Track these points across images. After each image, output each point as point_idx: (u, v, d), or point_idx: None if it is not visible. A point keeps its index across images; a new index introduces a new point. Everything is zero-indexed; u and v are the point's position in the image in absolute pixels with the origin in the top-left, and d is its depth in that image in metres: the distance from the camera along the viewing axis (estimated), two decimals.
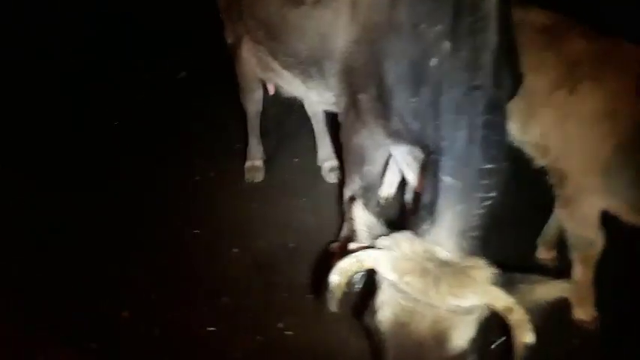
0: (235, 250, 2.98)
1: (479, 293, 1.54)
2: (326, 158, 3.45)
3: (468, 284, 1.55)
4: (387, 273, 1.63)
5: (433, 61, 1.88)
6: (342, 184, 3.29)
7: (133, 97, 4.27)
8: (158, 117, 4.05)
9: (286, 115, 3.82)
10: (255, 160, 3.47)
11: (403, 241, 1.67)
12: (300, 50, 2.36)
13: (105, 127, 3.97)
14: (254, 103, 3.28)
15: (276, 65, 2.64)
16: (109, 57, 4.72)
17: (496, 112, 1.82)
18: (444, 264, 1.60)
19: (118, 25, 5.12)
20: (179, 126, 3.98)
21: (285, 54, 2.48)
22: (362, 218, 1.80)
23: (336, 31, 2.17)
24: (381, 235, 1.76)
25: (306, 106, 3.38)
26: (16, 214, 3.22)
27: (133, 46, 4.86)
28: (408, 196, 2.63)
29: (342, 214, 2.97)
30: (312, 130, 3.63)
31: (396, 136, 2.17)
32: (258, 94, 3.23)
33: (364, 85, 2.13)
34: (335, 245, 2.76)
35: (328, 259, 2.76)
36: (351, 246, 1.82)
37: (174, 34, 4.90)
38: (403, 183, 2.90)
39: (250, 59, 2.94)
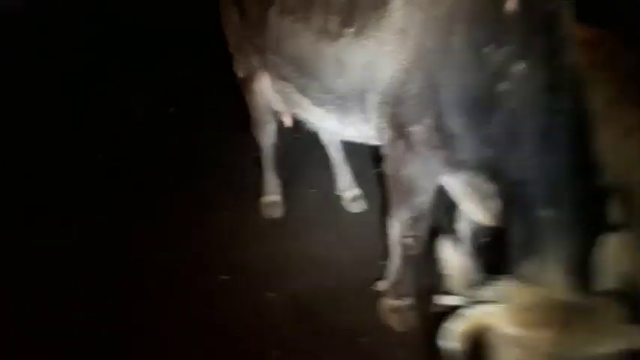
0: (271, 294, 2.77)
1: (615, 335, 1.42)
2: (346, 187, 3.30)
3: (603, 327, 1.43)
4: (506, 329, 1.48)
5: (504, 85, 1.78)
6: (367, 213, 3.24)
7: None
8: (151, 152, 3.84)
9: (293, 145, 3.64)
10: (273, 195, 3.29)
11: (512, 288, 1.54)
12: (339, 86, 2.22)
13: (105, 134, 3.90)
14: (268, 136, 3.12)
15: (306, 102, 2.49)
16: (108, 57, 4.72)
17: (583, 134, 1.74)
18: (568, 309, 1.47)
19: (118, 26, 5.07)
20: (177, 162, 3.75)
21: (319, 91, 2.33)
22: (453, 262, 1.65)
23: (382, 62, 2.03)
24: (478, 282, 1.62)
25: (322, 135, 3.23)
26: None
27: (132, 46, 4.81)
28: (464, 226, 2.50)
29: (383, 247, 2.79)
30: (322, 159, 3.46)
31: (459, 165, 2.05)
32: (272, 127, 3.07)
33: (417, 115, 2.00)
34: (384, 284, 2.59)
35: (377, 299, 2.62)
36: (448, 299, 1.67)
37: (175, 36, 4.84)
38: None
39: (265, 94, 2.81)
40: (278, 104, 2.82)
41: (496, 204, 2.07)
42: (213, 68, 3.84)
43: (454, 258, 1.69)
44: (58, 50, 4.69)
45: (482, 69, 1.78)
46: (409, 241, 2.33)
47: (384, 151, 2.25)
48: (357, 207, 3.26)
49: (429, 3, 1.88)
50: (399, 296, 2.51)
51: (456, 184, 2.22)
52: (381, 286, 2.61)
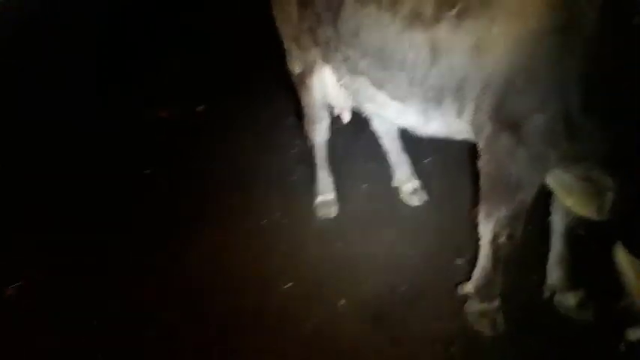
0: (342, 301, 2.57)
1: None
2: (406, 180, 3.10)
3: None
4: None
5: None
6: (427, 206, 3.04)
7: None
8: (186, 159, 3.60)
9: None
10: (327, 194, 3.09)
11: None
12: (433, 76, 2.01)
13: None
14: (322, 133, 2.93)
15: (382, 97, 2.28)
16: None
17: None
18: None
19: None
20: (212, 167, 3.51)
21: (405, 83, 2.12)
22: (630, 268, 1.46)
23: (491, 45, 1.82)
24: None
25: (377, 125, 3.02)
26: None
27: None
28: (558, 220, 2.30)
29: (451, 243, 2.74)
30: (365, 152, 3.34)
31: (576, 159, 1.86)
32: (326, 123, 2.88)
33: (536, 105, 1.79)
34: (469, 287, 2.40)
35: (457, 301, 2.44)
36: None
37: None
38: None
39: (323, 89, 2.64)
40: (340, 99, 2.64)
41: (610, 198, 1.89)
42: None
43: (631, 263, 1.51)
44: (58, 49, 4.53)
45: (618, 45, 1.57)
46: (504, 240, 2.14)
47: (483, 146, 2.04)
48: (418, 199, 3.07)
49: None
50: (487, 299, 2.33)
51: (565, 178, 2.02)
52: (466, 288, 2.42)
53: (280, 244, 2.92)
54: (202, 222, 3.07)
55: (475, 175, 2.23)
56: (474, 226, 2.30)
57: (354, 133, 3.34)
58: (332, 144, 3.13)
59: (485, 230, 2.19)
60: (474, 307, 2.36)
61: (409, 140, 2.96)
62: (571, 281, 2.34)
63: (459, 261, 2.68)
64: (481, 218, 2.19)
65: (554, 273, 2.37)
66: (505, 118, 1.90)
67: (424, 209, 3.05)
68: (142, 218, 3.12)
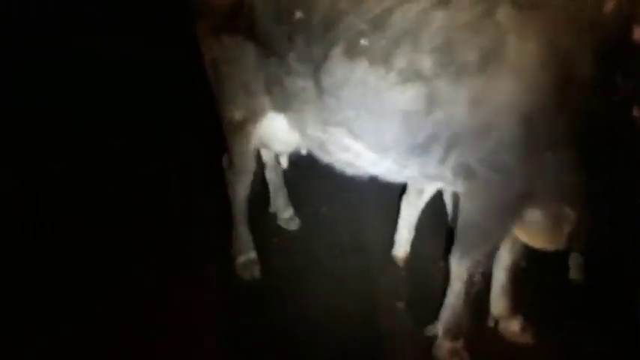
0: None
1: None
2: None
3: None
4: None
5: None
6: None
7: None
8: None
9: None
10: (250, 253, 2.86)
11: None
12: (426, 126, 2.02)
13: None
14: (246, 186, 2.74)
15: (359, 147, 2.23)
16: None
17: None
18: None
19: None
20: None
21: (389, 133, 2.10)
22: None
23: (491, 99, 1.91)
24: None
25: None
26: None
27: None
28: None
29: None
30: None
31: (549, 199, 2.05)
32: (251, 177, 2.73)
33: (531, 154, 1.94)
34: (438, 328, 2.42)
35: (424, 347, 2.45)
36: None
37: None
38: None
39: (263, 137, 2.54)
40: (283, 146, 2.50)
41: (568, 228, 2.13)
42: None
43: None
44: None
45: (610, 100, 1.80)
46: (478, 278, 2.24)
47: (468, 191, 2.12)
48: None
49: (550, 34, 1.82)
50: (456, 337, 2.39)
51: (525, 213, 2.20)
52: (434, 329, 2.45)
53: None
54: None
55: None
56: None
57: None
58: None
59: (460, 269, 2.26)
60: (444, 346, 2.39)
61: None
62: (513, 309, 2.55)
63: (400, 304, 2.71)
64: (455, 258, 2.25)
65: (498, 303, 2.55)
66: (500, 165, 1.99)
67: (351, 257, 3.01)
68: None
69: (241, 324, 2.55)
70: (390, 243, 2.94)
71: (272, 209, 3.19)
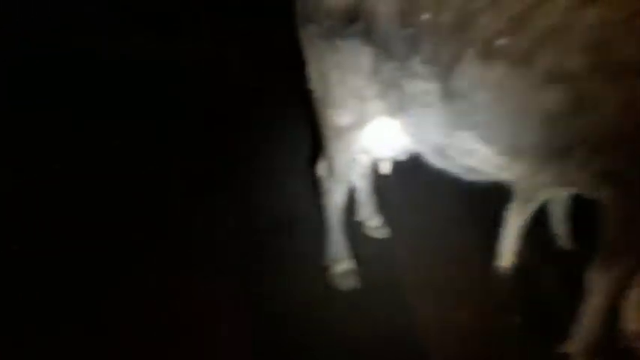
0: None
1: None
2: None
3: None
4: None
5: None
6: None
7: None
8: None
9: None
10: (345, 261, 2.73)
11: None
12: (573, 128, 1.87)
13: None
14: (345, 194, 2.62)
15: (487, 151, 2.07)
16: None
17: None
18: None
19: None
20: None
21: (528, 136, 1.96)
22: None
23: None
24: None
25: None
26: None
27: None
28: None
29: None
30: None
31: None
32: (349, 183, 2.63)
33: None
34: (571, 344, 2.23)
35: None
36: None
37: None
38: None
39: (367, 143, 2.43)
40: (388, 151, 2.47)
41: None
42: None
43: None
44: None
45: None
46: (618, 293, 2.10)
47: (607, 200, 1.97)
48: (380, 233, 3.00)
49: None
50: (594, 356, 2.19)
51: None
52: (568, 347, 2.25)
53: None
54: None
55: None
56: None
57: None
58: None
59: (602, 283, 2.09)
60: None
61: None
62: None
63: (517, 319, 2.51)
64: (597, 271, 2.08)
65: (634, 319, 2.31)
66: None
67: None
68: None
69: (251, 326, 2.47)
70: (486, 254, 2.76)
71: (359, 217, 3.02)
